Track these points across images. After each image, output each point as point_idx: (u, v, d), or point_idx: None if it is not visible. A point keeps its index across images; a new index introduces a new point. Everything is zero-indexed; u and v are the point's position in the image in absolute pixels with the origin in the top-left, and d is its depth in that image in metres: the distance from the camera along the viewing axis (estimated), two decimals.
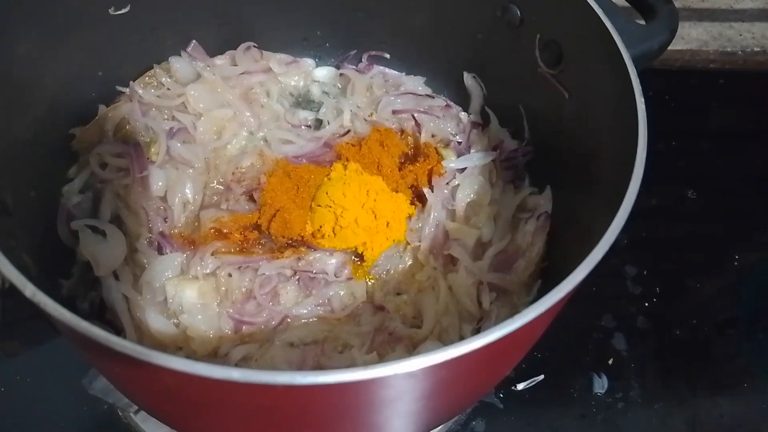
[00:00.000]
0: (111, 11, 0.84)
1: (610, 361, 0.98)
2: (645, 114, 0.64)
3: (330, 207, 0.82)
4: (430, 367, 0.47)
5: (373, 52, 1.01)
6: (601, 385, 0.96)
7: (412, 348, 0.76)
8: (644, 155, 0.60)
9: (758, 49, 1.45)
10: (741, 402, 0.97)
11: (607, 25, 0.71)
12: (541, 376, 0.95)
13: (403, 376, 0.47)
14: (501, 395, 0.94)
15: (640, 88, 0.65)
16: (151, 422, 0.89)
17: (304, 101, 1.00)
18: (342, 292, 0.80)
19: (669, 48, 1.41)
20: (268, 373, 0.45)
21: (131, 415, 0.89)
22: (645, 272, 1.08)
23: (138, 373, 0.55)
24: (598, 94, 0.75)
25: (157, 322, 0.76)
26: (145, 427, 0.89)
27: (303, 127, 0.96)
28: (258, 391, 0.48)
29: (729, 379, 0.99)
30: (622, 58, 0.68)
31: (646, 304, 1.04)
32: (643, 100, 0.65)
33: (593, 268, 0.54)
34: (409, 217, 0.86)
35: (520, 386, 0.94)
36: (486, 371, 0.59)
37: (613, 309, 1.03)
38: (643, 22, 0.78)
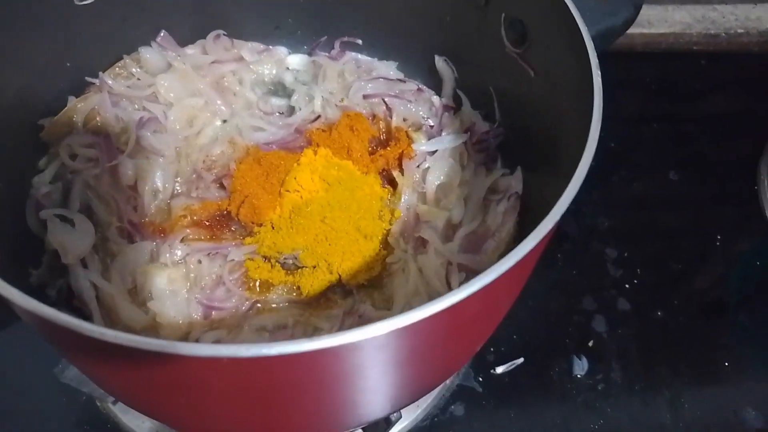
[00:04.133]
0: (76, 1, 0.84)
1: (591, 343, 0.98)
2: (600, 87, 0.63)
3: (298, 191, 0.82)
4: (395, 332, 0.47)
5: (345, 39, 1.01)
6: (581, 367, 0.95)
7: None
8: (598, 127, 0.60)
9: (741, 31, 1.44)
10: (723, 384, 0.96)
11: (567, 1, 0.70)
12: (521, 359, 0.95)
13: (354, 346, 0.47)
14: (480, 379, 0.93)
15: (597, 61, 0.65)
16: (130, 413, 0.89)
17: (277, 89, 0.99)
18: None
19: (653, 32, 1.43)
20: (231, 346, 0.45)
21: (109, 405, 0.89)
22: (626, 255, 1.07)
23: (99, 355, 0.55)
24: (562, 73, 0.74)
25: (126, 310, 0.76)
26: (123, 417, 0.89)
27: (276, 114, 0.96)
28: (207, 366, 0.48)
29: (711, 361, 0.98)
30: (581, 34, 0.68)
31: (627, 286, 1.04)
32: (599, 73, 0.64)
33: (544, 240, 0.53)
34: (381, 199, 0.86)
35: (500, 369, 0.94)
36: (447, 342, 0.58)
37: (593, 291, 1.03)
38: None
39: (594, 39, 0.67)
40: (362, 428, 0.82)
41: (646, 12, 1.42)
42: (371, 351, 0.51)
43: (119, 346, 0.46)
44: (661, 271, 1.06)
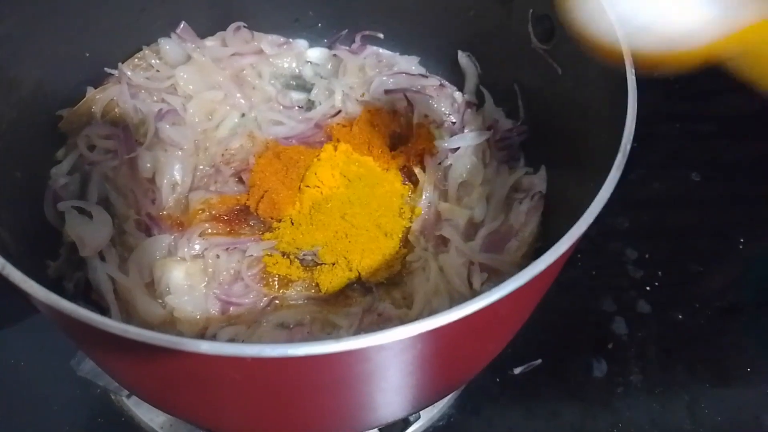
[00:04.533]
0: None
1: (610, 346, 0.96)
2: (635, 86, 0.61)
3: (318, 187, 0.81)
4: (419, 335, 0.46)
5: (367, 32, 1.00)
6: (600, 369, 0.94)
7: None
8: (632, 128, 0.58)
9: None
10: (743, 387, 0.94)
11: None
12: (539, 361, 0.94)
13: (378, 349, 0.46)
14: (498, 380, 0.92)
15: (631, 59, 0.63)
16: (143, 407, 0.88)
17: (296, 83, 0.98)
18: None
19: None
20: (237, 346, 0.44)
21: (123, 399, 0.89)
22: (647, 256, 1.06)
23: (118, 350, 0.54)
24: (590, 70, 0.73)
25: (144, 303, 0.75)
26: (137, 411, 0.89)
27: (295, 108, 0.95)
28: (229, 364, 0.47)
29: (731, 364, 0.96)
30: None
31: (648, 288, 1.02)
32: (633, 71, 0.62)
33: (575, 243, 0.52)
34: (402, 196, 0.85)
35: (517, 370, 0.93)
36: (469, 346, 0.57)
37: (613, 293, 1.01)
38: None
39: None
40: (380, 429, 0.82)
41: None
42: (395, 353, 0.50)
43: (138, 343, 0.45)
44: (682, 272, 1.05)
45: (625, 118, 0.60)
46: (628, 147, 0.57)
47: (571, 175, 0.77)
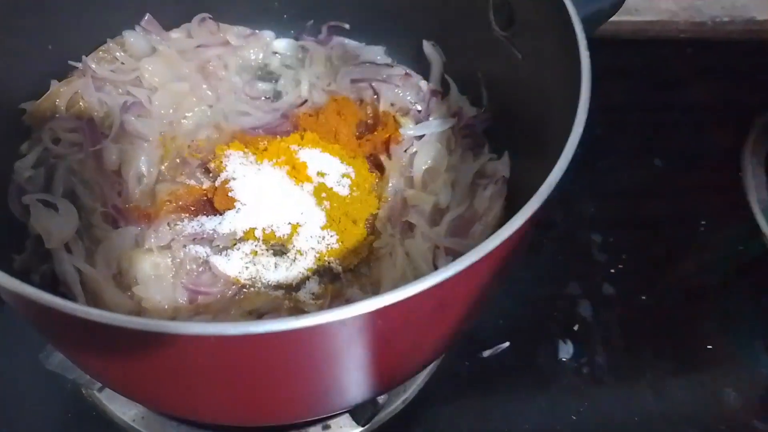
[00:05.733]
0: None
1: (576, 327, 0.98)
2: (589, 66, 0.63)
3: None
4: (380, 311, 0.47)
5: (333, 23, 1.00)
6: (566, 351, 0.96)
7: None
8: (587, 104, 0.60)
9: (727, 19, 1.45)
10: (704, 367, 0.97)
11: None
12: (507, 344, 0.95)
13: (340, 324, 0.47)
14: (467, 363, 0.94)
15: (585, 42, 0.65)
16: (115, 401, 0.88)
17: (263, 74, 0.99)
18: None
19: (639, 19, 1.43)
20: (218, 324, 0.45)
21: (95, 393, 0.88)
22: (611, 240, 1.08)
23: (84, 336, 0.55)
24: (549, 55, 0.74)
25: (111, 295, 0.75)
26: (109, 405, 0.88)
27: (262, 98, 0.95)
28: (192, 344, 0.48)
29: (693, 345, 0.99)
30: (569, 15, 0.68)
31: (612, 271, 1.04)
32: (588, 53, 0.64)
33: (533, 217, 0.53)
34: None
35: (486, 353, 0.94)
36: (432, 323, 0.59)
37: (578, 276, 1.03)
38: None
39: (582, 22, 0.67)
40: (350, 412, 0.82)
41: (634, 0, 1.42)
42: (357, 330, 0.51)
43: (105, 326, 0.46)
44: (646, 256, 1.07)
45: (578, 106, 0.61)
46: (583, 119, 0.59)
47: (534, 161, 0.78)
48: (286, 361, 0.53)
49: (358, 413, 0.82)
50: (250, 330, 0.45)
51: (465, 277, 0.50)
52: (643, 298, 1.02)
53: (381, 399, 0.79)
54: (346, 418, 0.84)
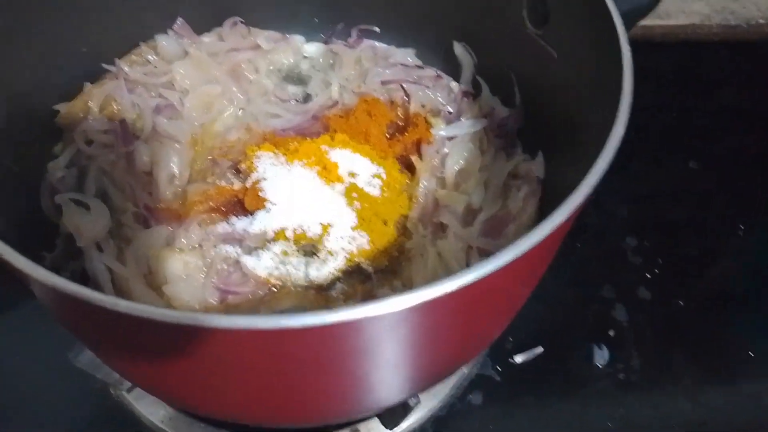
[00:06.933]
0: None
1: (611, 332, 0.96)
2: (631, 62, 0.61)
3: None
4: (414, 308, 0.45)
5: (363, 26, 1.00)
6: (602, 356, 0.94)
7: None
8: (629, 100, 0.58)
9: (762, 21, 1.42)
10: (743, 373, 0.94)
11: None
12: (540, 348, 0.93)
13: (374, 320, 0.46)
14: (498, 368, 0.92)
15: (626, 36, 0.63)
16: (144, 401, 0.88)
17: (293, 77, 0.99)
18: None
19: (671, 23, 1.41)
20: (230, 317, 0.44)
21: (124, 393, 0.88)
22: (646, 243, 1.06)
23: (113, 331, 0.54)
24: (586, 52, 0.73)
25: (141, 294, 0.75)
26: (137, 405, 0.88)
27: (292, 101, 0.95)
28: (222, 339, 0.47)
29: (731, 350, 0.96)
30: (608, 10, 0.66)
31: (648, 275, 1.02)
32: (629, 49, 0.62)
33: (571, 216, 0.52)
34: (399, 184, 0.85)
35: (518, 358, 0.93)
36: (467, 322, 0.57)
37: (613, 280, 1.01)
38: None
39: None
40: (379, 416, 0.81)
41: (665, 3, 1.40)
42: (389, 326, 0.50)
43: (136, 318, 0.45)
44: (683, 260, 1.05)
45: (620, 100, 0.59)
46: (625, 119, 0.57)
47: (568, 161, 0.77)
48: (320, 358, 0.52)
49: (387, 417, 0.81)
50: (286, 323, 0.44)
51: (502, 275, 0.49)
52: (681, 302, 0.99)
53: (411, 402, 0.78)
54: (375, 422, 0.83)
